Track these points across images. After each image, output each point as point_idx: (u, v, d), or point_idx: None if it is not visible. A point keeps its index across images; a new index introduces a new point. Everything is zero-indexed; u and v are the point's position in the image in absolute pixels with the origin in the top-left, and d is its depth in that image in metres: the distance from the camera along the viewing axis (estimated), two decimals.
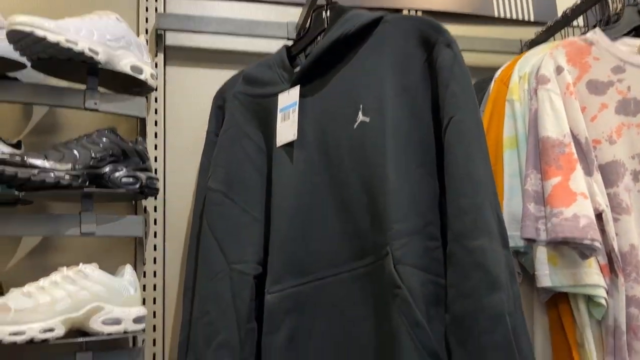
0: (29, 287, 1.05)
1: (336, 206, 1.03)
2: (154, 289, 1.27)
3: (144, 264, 1.27)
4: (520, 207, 1.10)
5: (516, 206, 1.12)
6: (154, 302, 1.26)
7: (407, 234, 0.92)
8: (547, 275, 1.05)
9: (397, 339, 0.88)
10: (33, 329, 0.99)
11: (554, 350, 1.11)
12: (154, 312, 1.26)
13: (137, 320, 1.14)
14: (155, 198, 1.31)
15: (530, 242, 1.07)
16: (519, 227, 1.09)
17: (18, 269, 1.23)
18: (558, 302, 1.09)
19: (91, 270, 1.12)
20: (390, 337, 0.90)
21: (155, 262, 1.29)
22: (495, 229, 0.89)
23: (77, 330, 1.08)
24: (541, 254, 1.06)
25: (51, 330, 1.01)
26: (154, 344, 1.24)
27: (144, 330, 1.22)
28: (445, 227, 0.93)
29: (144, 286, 1.26)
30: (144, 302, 1.25)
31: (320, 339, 1.01)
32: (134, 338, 1.24)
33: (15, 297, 1.02)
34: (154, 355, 1.24)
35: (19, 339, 0.98)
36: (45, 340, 1.01)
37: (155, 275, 1.28)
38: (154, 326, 1.25)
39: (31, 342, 0.99)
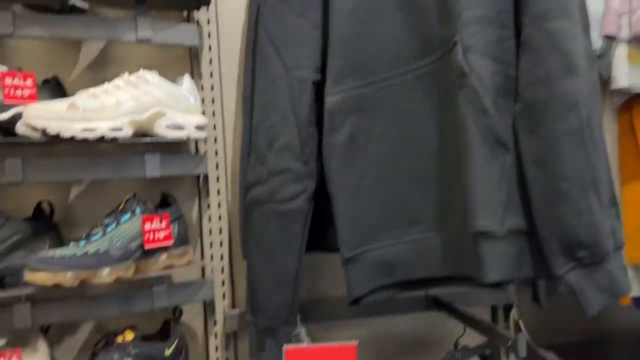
0: (94, 90, 1.07)
1: (400, 1, 0.97)
2: (212, 102, 1.28)
3: (201, 77, 1.27)
4: (600, 4, 1.01)
5: (596, 3, 1.03)
6: (213, 115, 1.28)
7: (477, 21, 0.86)
8: (625, 75, 0.99)
9: (463, 128, 0.86)
10: (102, 127, 1.02)
11: (621, 156, 1.08)
12: (214, 125, 1.28)
13: (198, 127, 1.16)
14: (208, 9, 1.27)
15: (610, 39, 1.00)
16: (597, 26, 1.01)
17: (79, 80, 1.25)
18: (633, 104, 1.04)
19: (151, 76, 1.12)
20: (455, 129, 0.88)
21: (211, 75, 1.28)
22: (577, 13, 0.83)
23: (142, 135, 1.11)
24: (621, 52, 0.99)
25: (119, 129, 1.04)
26: (216, 154, 1.28)
27: (205, 140, 1.25)
28: (519, 16, 0.87)
29: (202, 99, 1.27)
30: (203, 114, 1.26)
31: (382, 139, 1.01)
32: (196, 145, 1.28)
33: (82, 98, 1.04)
34: (217, 164, 1.28)
35: (90, 135, 1.01)
36: (114, 139, 1.04)
37: (212, 88, 1.28)
38: (215, 138, 1.28)
39: (102, 139, 1.02)
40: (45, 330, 1.16)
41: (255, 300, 1.15)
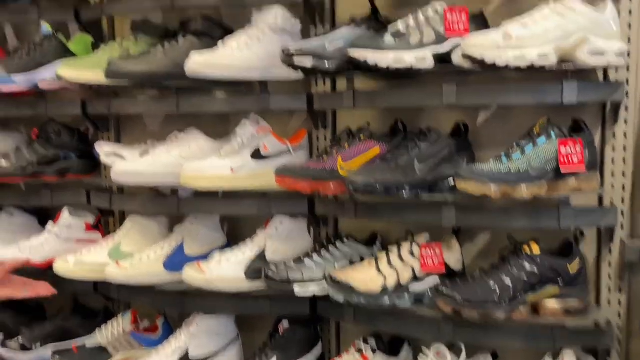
0: (525, 19, 1.15)
1: None
2: (629, 27, 1.24)
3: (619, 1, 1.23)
4: None
5: None
6: (629, 41, 1.24)
7: None
8: None
9: None
10: (531, 54, 1.11)
11: None
12: (628, 52, 1.24)
13: (618, 54, 1.15)
14: None
15: None
16: None
17: (496, 12, 1.35)
18: None
19: (576, 3, 1.15)
20: None
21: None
22: None
23: (563, 62, 1.16)
24: None
25: (545, 56, 1.11)
26: (627, 83, 1.25)
27: (626, 67, 1.23)
28: None
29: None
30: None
31: None
32: (605, 73, 1.26)
33: (514, 27, 1.13)
34: (627, 93, 1.25)
35: (521, 63, 1.10)
36: (542, 68, 1.12)
37: (630, 13, 1.24)
38: (628, 66, 1.24)
39: (531, 67, 1.11)
40: (456, 232, 1.36)
41: None
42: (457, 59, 1.19)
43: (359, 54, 1.20)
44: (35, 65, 1.66)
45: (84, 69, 1.57)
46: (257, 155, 1.47)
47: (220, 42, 1.43)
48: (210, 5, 1.55)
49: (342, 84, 1.50)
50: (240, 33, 1.44)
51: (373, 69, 1.20)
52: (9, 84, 1.61)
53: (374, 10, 1.38)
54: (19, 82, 1.63)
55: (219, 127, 1.66)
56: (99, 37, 1.78)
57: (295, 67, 1.33)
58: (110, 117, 1.81)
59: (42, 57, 1.66)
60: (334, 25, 1.54)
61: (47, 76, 1.65)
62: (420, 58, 1.19)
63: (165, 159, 1.52)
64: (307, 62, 1.30)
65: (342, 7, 1.52)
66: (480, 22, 1.26)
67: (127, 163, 1.58)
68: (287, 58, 1.31)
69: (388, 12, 1.40)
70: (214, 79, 1.40)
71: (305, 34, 1.50)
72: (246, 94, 1.52)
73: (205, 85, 1.49)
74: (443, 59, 1.21)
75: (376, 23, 1.35)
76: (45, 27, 1.68)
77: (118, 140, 1.84)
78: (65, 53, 1.68)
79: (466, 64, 1.17)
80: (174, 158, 1.52)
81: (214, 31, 1.51)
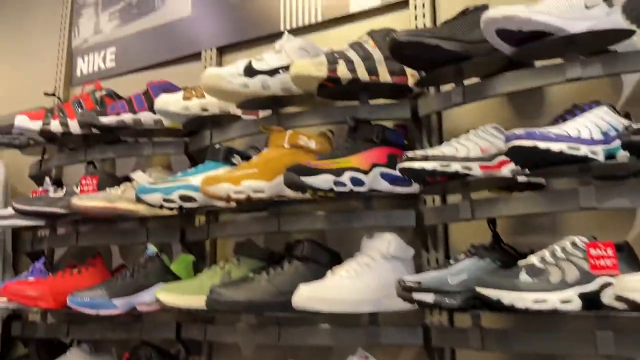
0: None
1: None
2: None
3: None
4: None
5: None
6: None
7: None
8: None
9: None
10: None
11: None
12: None
13: None
14: None
15: None
16: None
17: None
18: None
19: None
20: None
21: None
22: None
23: None
24: None
25: None
26: None
27: None
28: None
29: None
30: None
31: None
32: None
33: None
34: None
35: None
36: None
37: None
38: None
39: None
40: None
41: None
42: (607, 299, 1.03)
43: (491, 293, 1.07)
44: (137, 288, 1.63)
45: (184, 294, 1.52)
46: None
47: (328, 272, 1.35)
48: (316, 229, 1.51)
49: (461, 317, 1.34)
50: (350, 261, 1.36)
51: (507, 309, 1.06)
52: (110, 309, 1.58)
53: (496, 237, 1.28)
54: (120, 306, 1.60)
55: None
56: (201, 257, 1.77)
57: (412, 302, 1.20)
58: (204, 341, 1.72)
59: (144, 279, 1.64)
60: (447, 251, 1.44)
61: (146, 299, 1.61)
62: (566, 299, 1.03)
63: None
64: (428, 298, 1.17)
65: (455, 231, 1.43)
66: (628, 257, 1.11)
67: None
68: (405, 293, 1.19)
69: (510, 239, 1.29)
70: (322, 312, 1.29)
71: (416, 260, 1.41)
72: (353, 326, 1.39)
73: (309, 316, 1.38)
74: (591, 299, 1.05)
75: (501, 253, 1.24)
76: (151, 249, 1.68)
77: None
78: (167, 274, 1.66)
79: (619, 306, 1.00)
80: None
81: (321, 257, 1.44)
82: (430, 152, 1.25)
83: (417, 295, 1.18)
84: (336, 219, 1.42)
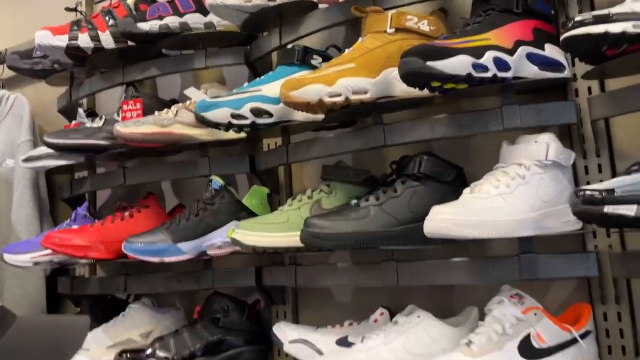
0: None
1: None
2: None
3: None
4: None
5: None
6: None
7: None
8: None
9: None
10: None
11: None
12: None
13: None
14: None
15: None
16: None
17: None
18: None
19: None
20: None
21: None
22: None
23: None
24: None
25: None
26: None
27: None
28: None
29: None
30: None
31: None
32: None
33: None
34: None
35: None
36: None
37: None
38: None
39: None
40: None
41: None
42: None
43: None
44: (205, 228, 1.34)
45: (267, 232, 1.21)
46: (528, 351, 0.97)
47: (466, 189, 1.02)
48: (435, 138, 1.15)
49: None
50: (493, 174, 1.03)
51: None
52: (176, 255, 1.29)
53: None
54: (187, 251, 1.30)
55: (444, 303, 1.21)
56: (275, 188, 1.46)
57: (597, 220, 0.87)
58: (287, 287, 1.43)
59: (212, 218, 1.34)
60: (611, 157, 1.10)
61: (217, 241, 1.31)
62: None
63: (384, 356, 1.07)
64: (629, 211, 0.84)
65: (620, 130, 1.09)
66: None
67: None
68: (589, 207, 0.85)
69: None
70: (465, 239, 0.97)
71: None
72: (496, 257, 1.07)
73: (432, 249, 1.08)
74: None
75: None
76: (217, 181, 1.37)
77: (296, 316, 1.43)
78: (240, 211, 1.35)
79: None
80: (396, 354, 1.07)
81: (445, 173, 1.12)
82: (613, 10, 0.89)
83: (609, 209, 0.85)
84: (465, 121, 1.08)
